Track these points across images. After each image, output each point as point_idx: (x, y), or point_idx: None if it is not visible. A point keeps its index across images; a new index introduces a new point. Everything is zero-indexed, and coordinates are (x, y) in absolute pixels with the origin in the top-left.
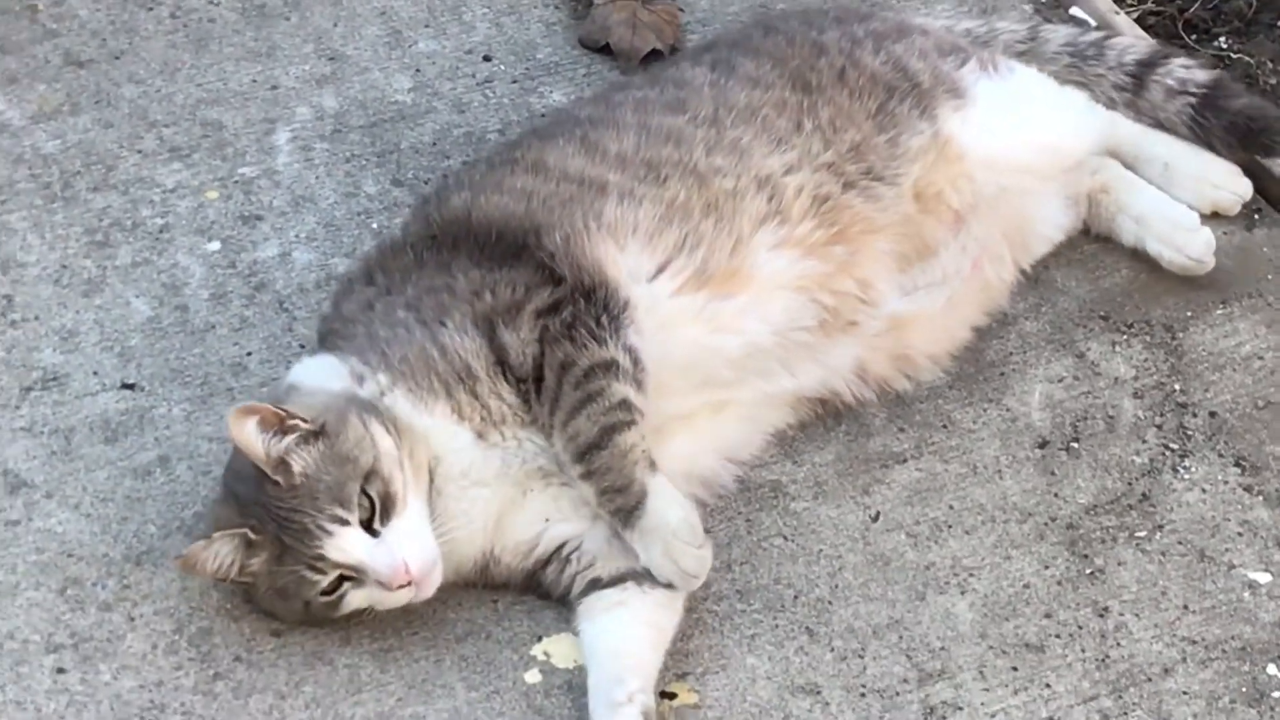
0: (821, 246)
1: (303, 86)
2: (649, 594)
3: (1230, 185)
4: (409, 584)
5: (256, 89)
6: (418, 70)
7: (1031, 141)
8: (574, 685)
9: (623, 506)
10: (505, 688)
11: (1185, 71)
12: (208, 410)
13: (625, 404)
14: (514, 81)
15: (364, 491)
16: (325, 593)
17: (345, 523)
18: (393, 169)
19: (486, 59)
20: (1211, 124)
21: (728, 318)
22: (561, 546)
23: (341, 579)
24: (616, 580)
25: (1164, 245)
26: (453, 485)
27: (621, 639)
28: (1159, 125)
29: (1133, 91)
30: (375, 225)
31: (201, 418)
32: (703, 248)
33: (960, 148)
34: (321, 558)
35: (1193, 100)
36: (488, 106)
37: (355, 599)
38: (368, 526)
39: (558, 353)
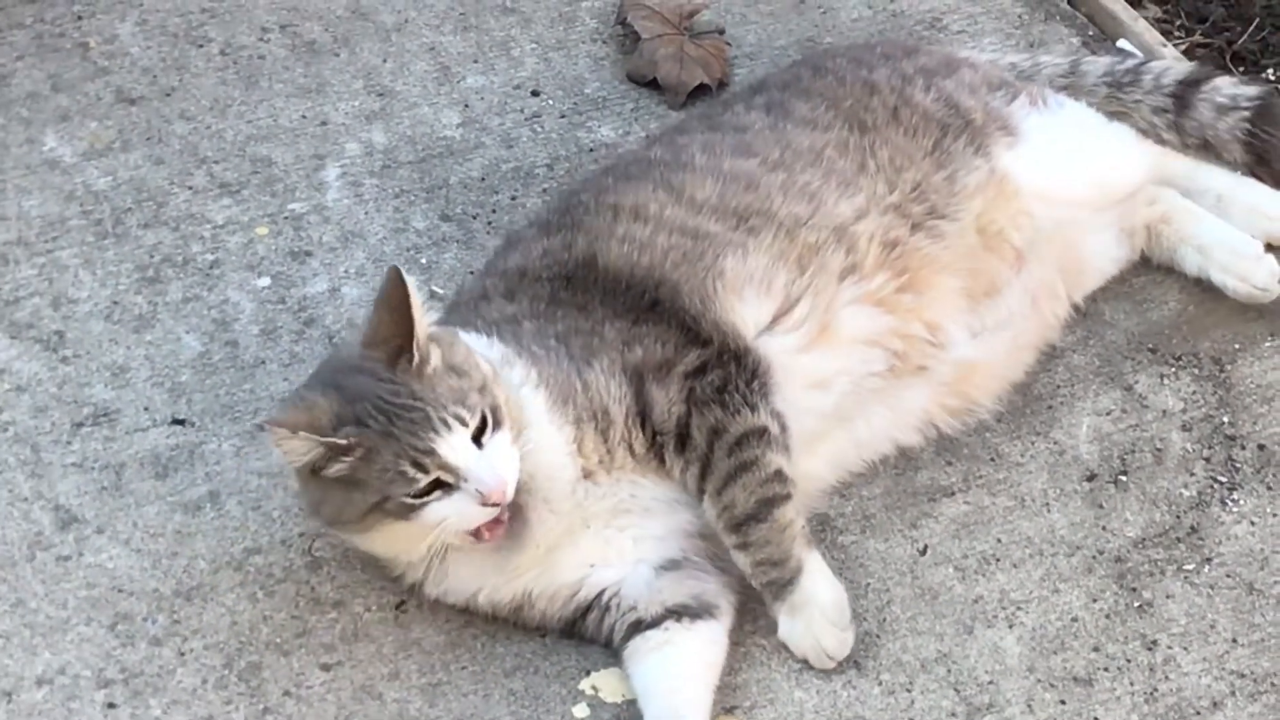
0: (893, 296)
1: (352, 122)
2: (693, 629)
3: None
4: (498, 505)
5: (306, 125)
6: (466, 105)
7: (1083, 174)
8: (621, 719)
9: (776, 580)
10: None
11: (1234, 88)
12: (257, 446)
13: (780, 475)
14: (562, 116)
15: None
16: (414, 495)
17: (464, 424)
18: (441, 204)
19: (535, 94)
20: (1271, 138)
21: (826, 374)
22: (602, 593)
23: (435, 485)
24: (658, 620)
25: (1228, 274)
26: (527, 500)
27: (674, 677)
28: (1205, 145)
29: (1175, 112)
30: (424, 260)
31: (251, 453)
32: (805, 302)
33: (1016, 184)
34: (432, 452)
35: (1246, 114)
36: (536, 141)
37: (437, 510)
38: (475, 440)
39: (709, 417)
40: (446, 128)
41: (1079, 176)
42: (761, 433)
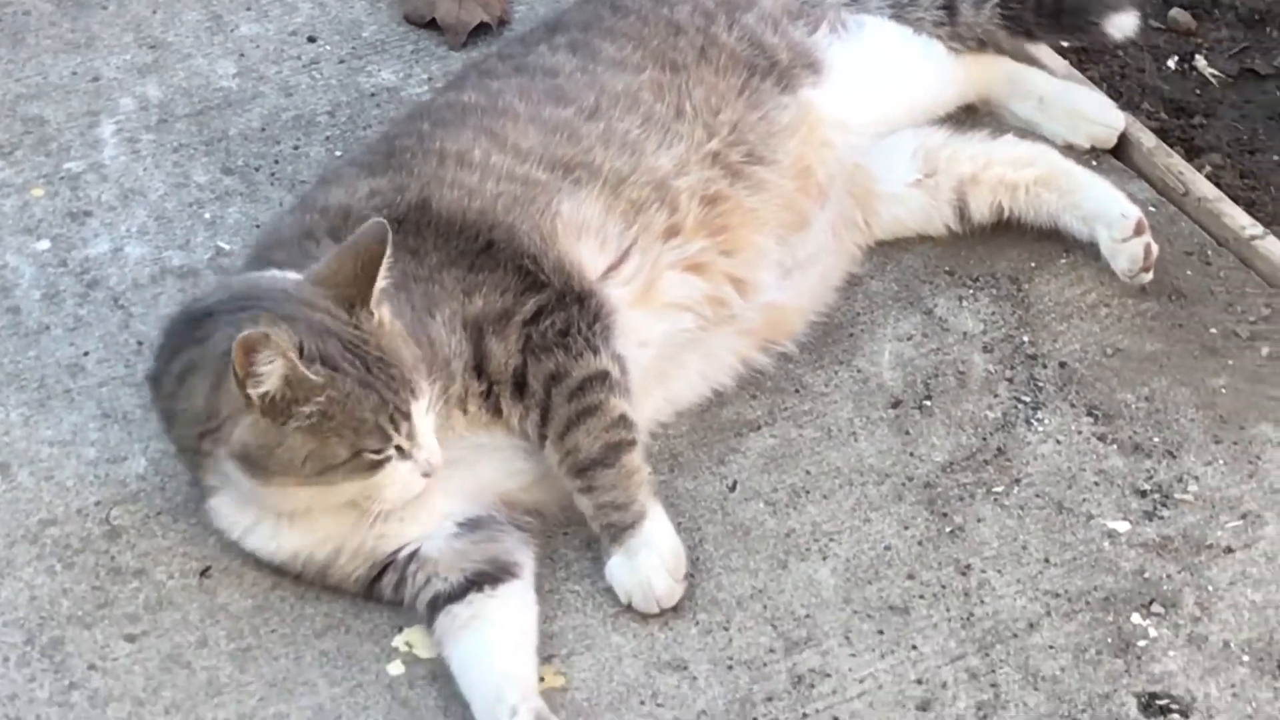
0: (710, 260)
1: (125, 77)
2: (497, 596)
3: (1104, 119)
4: (428, 479)
5: (77, 81)
6: (242, 55)
7: (887, 97)
8: (438, 675)
9: (617, 523)
10: (368, 681)
11: None
12: (46, 413)
13: (625, 420)
14: (340, 61)
15: None
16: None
17: (422, 394)
18: (222, 157)
19: (311, 40)
20: (1021, 11)
21: (647, 334)
22: (399, 550)
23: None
24: (460, 593)
25: (1113, 257)
26: None
27: (488, 654)
28: (982, 46)
29: (950, 23)
30: (207, 215)
31: (40, 421)
32: (634, 259)
33: (819, 115)
34: (408, 415)
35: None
36: (315, 88)
37: (395, 472)
38: None
39: (546, 364)
40: (222, 78)
41: (882, 101)
42: (604, 377)
